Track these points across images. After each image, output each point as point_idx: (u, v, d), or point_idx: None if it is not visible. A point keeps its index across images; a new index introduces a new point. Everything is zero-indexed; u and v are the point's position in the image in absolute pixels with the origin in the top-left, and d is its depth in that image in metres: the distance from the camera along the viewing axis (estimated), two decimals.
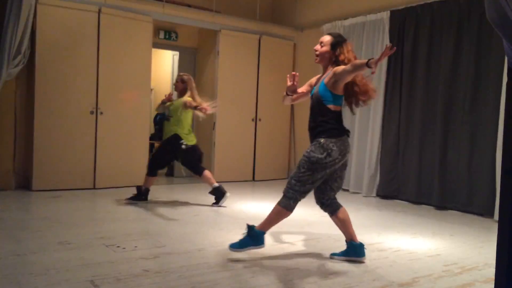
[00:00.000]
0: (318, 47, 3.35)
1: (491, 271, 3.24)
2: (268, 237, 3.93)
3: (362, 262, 3.32)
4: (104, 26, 5.98)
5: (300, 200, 3.28)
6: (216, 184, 5.31)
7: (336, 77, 3.16)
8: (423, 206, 5.71)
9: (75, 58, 5.83)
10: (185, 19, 6.79)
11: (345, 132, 3.30)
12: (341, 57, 3.26)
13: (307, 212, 5.19)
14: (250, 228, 3.30)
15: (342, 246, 3.77)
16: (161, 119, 8.27)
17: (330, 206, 3.41)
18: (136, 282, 2.77)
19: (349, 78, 3.14)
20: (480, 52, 5.27)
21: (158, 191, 6.42)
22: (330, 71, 3.24)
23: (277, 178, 7.72)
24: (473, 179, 5.30)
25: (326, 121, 3.22)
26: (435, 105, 5.66)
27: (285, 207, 3.25)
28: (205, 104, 5.04)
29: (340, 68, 3.16)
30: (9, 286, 2.61)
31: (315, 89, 3.33)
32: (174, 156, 5.35)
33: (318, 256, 3.48)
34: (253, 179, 7.52)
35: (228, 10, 7.39)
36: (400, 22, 6.09)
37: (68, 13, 5.75)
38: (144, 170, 6.41)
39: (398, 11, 6.11)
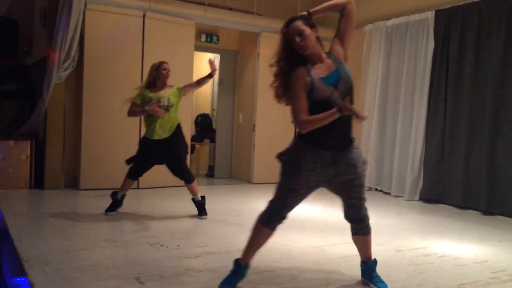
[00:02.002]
0: (300, 37, 2.63)
1: None
2: (308, 239, 3.92)
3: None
4: (149, 30, 6.14)
5: None
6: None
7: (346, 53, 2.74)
8: (469, 211, 5.53)
9: (121, 61, 6.01)
10: (227, 22, 6.87)
11: None
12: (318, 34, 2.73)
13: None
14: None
15: (384, 250, 3.72)
16: (202, 120, 8.42)
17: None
18: (179, 280, 2.84)
19: None
20: None
21: (200, 191, 6.51)
22: (336, 50, 2.76)
23: None
24: None
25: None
26: (483, 108, 5.47)
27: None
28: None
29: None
30: (60, 281, 2.72)
31: (342, 73, 2.63)
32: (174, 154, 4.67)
33: (359, 259, 3.40)
34: None
35: (269, 12, 7.41)
36: (446, 22, 5.93)
37: (115, 18, 5.94)
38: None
39: (444, 11, 5.95)
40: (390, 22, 6.69)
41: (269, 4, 7.60)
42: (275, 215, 2.76)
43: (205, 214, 4.74)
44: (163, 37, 6.26)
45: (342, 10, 2.86)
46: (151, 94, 4.56)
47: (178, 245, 3.58)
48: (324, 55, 2.69)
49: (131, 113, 4.64)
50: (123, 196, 4.74)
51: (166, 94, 4.57)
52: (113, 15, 5.92)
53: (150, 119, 4.52)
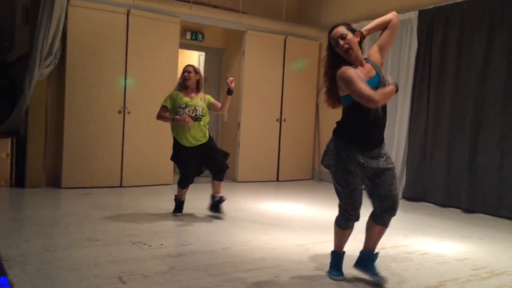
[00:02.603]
0: (343, 41, 2.83)
1: None
2: (292, 237, 3.94)
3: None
4: (133, 27, 6.08)
5: None
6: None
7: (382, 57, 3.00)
8: (451, 209, 5.61)
9: (104, 58, 5.95)
10: (212, 20, 6.84)
11: None
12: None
13: (333, 213, 5.17)
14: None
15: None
16: None
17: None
18: (162, 279, 2.82)
19: None
20: None
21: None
22: (374, 57, 2.96)
23: (301, 178, 7.70)
24: (503, 182, 5.18)
25: None
26: (465, 107, 5.55)
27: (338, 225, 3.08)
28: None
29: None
30: (41, 281, 2.68)
31: (381, 78, 2.83)
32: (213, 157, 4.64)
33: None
34: (277, 180, 7.52)
35: (254, 11, 7.41)
36: (429, 22, 5.99)
37: (98, 14, 5.87)
38: (169, 168, 6.52)
39: (427, 11, 6.01)
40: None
41: (254, 2, 7.60)
42: (353, 218, 2.95)
43: (219, 211, 4.67)
44: (148, 35, 6.21)
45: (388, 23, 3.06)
46: (186, 99, 4.50)
47: (162, 244, 3.56)
48: (363, 60, 2.88)
49: (160, 117, 4.55)
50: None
51: (201, 104, 4.52)
52: (96, 12, 5.86)
53: (178, 126, 4.48)
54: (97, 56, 5.89)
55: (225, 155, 4.75)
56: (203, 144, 4.55)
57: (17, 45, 7.56)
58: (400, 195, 6.19)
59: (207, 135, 4.59)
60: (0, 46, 8.25)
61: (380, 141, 2.89)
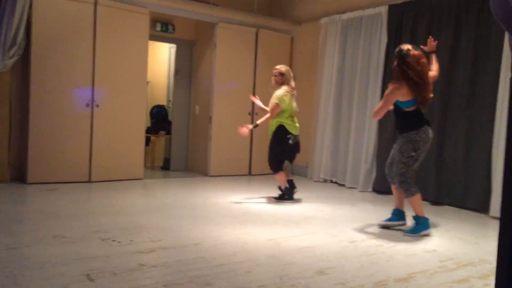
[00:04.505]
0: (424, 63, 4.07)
1: (486, 267, 3.25)
2: (263, 232, 3.93)
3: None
4: (101, 17, 5.92)
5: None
6: (288, 186, 5.42)
7: None
8: None
9: (71, 50, 5.77)
10: (182, 11, 6.73)
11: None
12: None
13: (303, 207, 5.19)
14: (416, 217, 4.15)
15: (338, 241, 3.79)
16: (158, 112, 8.26)
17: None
18: (132, 276, 2.76)
19: None
20: (478, 47, 5.26)
21: (154, 184, 6.41)
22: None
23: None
24: (469, 175, 5.31)
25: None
26: (432, 102, 5.58)
27: (410, 195, 4.13)
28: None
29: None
30: (4, 280, 2.59)
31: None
32: (282, 148, 5.29)
33: (314, 251, 3.47)
34: (250, 174, 7.50)
35: (226, 3, 7.34)
36: (398, 17, 6.06)
37: (64, 4, 5.69)
38: (140, 163, 6.42)
39: (397, 6, 6.08)
40: (345, 16, 6.78)
41: None
42: (414, 181, 4.16)
43: (282, 198, 5.40)
44: (116, 25, 6.06)
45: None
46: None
47: (131, 240, 3.49)
48: None
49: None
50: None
51: (272, 101, 5.34)
52: (63, 1, 5.67)
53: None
54: (63, 47, 5.72)
55: (273, 152, 5.36)
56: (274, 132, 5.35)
57: None
58: (370, 188, 6.33)
59: (274, 130, 5.34)
60: None
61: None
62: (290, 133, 5.25)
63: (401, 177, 4.10)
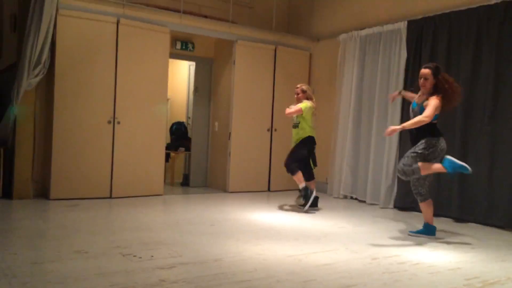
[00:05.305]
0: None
1: None
2: (283, 248, 3.90)
3: (434, 238, 4.48)
4: (122, 36, 6.05)
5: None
6: (304, 185, 5.75)
7: None
8: (442, 218, 5.60)
9: (94, 68, 5.90)
10: (202, 29, 6.84)
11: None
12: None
13: (324, 223, 5.14)
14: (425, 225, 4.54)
15: (359, 258, 3.73)
16: (177, 128, 8.33)
17: (423, 196, 4.56)
18: None
19: None
20: (500, 61, 5.20)
21: (174, 200, 6.44)
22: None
23: (293, 188, 7.64)
24: (493, 191, 5.20)
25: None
26: (454, 117, 5.56)
27: (423, 201, 4.55)
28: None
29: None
30: None
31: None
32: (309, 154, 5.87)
33: (335, 268, 3.43)
34: (269, 190, 7.49)
35: (245, 20, 7.44)
36: (418, 32, 6.05)
37: (88, 24, 5.84)
38: (160, 179, 6.47)
39: (416, 21, 6.07)
40: (364, 32, 6.79)
41: (244, 12, 7.62)
42: (427, 189, 4.56)
43: (305, 205, 5.68)
44: (138, 44, 6.18)
45: None
46: None
47: (152, 256, 3.50)
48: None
49: None
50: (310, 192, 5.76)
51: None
52: (85, 21, 5.82)
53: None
54: (86, 66, 5.85)
55: (296, 154, 5.82)
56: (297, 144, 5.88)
57: (4, 53, 7.49)
58: (392, 204, 6.24)
59: (298, 139, 5.85)
60: None
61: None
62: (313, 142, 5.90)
63: (415, 186, 4.53)
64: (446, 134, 5.74)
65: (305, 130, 5.81)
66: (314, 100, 5.93)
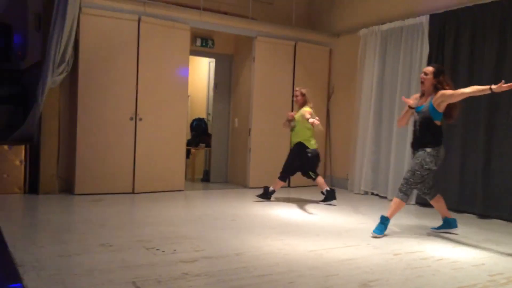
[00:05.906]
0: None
1: None
2: (305, 243, 3.91)
3: (455, 233, 4.45)
4: (143, 34, 6.13)
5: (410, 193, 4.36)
6: (328, 188, 5.99)
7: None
8: (465, 214, 5.53)
9: (116, 65, 5.99)
10: (222, 26, 6.87)
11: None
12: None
13: (344, 219, 5.13)
14: (382, 217, 4.33)
15: (381, 253, 3.72)
16: (198, 125, 8.40)
17: (429, 194, 4.51)
18: (176, 284, 2.81)
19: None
20: None
21: (195, 196, 6.50)
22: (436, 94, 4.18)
23: (312, 184, 7.63)
24: None
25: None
26: (478, 111, 5.48)
27: (402, 199, 4.29)
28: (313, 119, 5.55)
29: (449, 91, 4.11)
30: (55, 286, 2.69)
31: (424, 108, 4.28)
32: (302, 162, 5.91)
33: (357, 263, 3.42)
34: (289, 186, 7.49)
35: (264, 16, 7.44)
36: (440, 26, 5.96)
37: (110, 22, 5.93)
38: (181, 175, 6.54)
39: (438, 15, 5.98)
40: (385, 27, 6.72)
41: (264, 8, 7.62)
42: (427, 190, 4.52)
43: (326, 201, 5.95)
44: (158, 41, 6.25)
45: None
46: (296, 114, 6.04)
47: (175, 250, 3.55)
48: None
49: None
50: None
51: (296, 116, 5.94)
52: (108, 19, 5.91)
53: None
54: (108, 63, 5.94)
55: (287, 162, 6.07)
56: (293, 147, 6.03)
57: (29, 52, 7.65)
58: (413, 200, 6.19)
59: (296, 141, 5.95)
60: (13, 54, 8.35)
61: None
62: (309, 148, 5.89)
63: (406, 185, 4.27)
64: (470, 129, 5.71)
65: (299, 135, 5.96)
66: (312, 105, 5.96)
